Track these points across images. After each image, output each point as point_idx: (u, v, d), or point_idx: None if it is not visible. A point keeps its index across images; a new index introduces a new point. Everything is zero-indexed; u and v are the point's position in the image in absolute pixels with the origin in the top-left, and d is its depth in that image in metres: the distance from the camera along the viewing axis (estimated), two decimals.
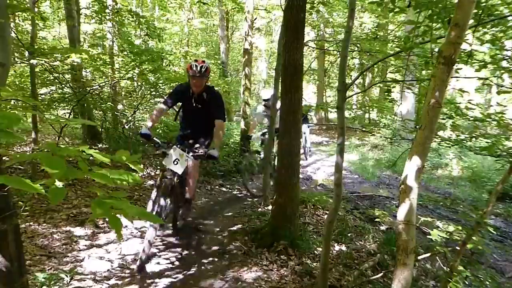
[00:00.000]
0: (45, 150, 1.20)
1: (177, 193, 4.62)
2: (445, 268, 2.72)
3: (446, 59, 2.13)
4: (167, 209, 4.36)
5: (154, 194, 4.17)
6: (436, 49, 2.99)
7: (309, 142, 12.74)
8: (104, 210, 1.19)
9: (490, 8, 3.01)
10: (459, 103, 4.02)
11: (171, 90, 4.94)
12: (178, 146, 4.40)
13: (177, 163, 4.23)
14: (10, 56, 1.34)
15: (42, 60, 6.08)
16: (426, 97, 2.22)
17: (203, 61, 4.58)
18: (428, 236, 2.62)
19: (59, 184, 1.22)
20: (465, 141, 4.14)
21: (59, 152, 1.12)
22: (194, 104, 4.74)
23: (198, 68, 4.48)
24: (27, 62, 6.40)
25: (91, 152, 1.20)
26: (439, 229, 2.80)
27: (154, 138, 4.34)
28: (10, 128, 1.07)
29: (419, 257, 2.96)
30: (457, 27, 2.09)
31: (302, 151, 12.55)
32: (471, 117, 3.70)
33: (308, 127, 12.45)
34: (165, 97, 4.83)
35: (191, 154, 4.42)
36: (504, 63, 3.42)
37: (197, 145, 4.66)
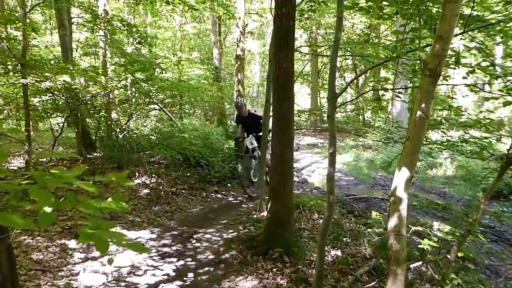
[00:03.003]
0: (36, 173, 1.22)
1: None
2: (436, 276, 2.74)
3: (431, 71, 2.15)
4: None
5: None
6: (424, 57, 3.02)
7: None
8: (91, 239, 1.20)
9: (474, 17, 3.03)
10: (451, 104, 4.05)
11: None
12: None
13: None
14: None
15: (33, 80, 6.08)
16: (413, 108, 2.25)
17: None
18: (419, 246, 2.65)
19: (48, 209, 1.24)
20: (456, 145, 4.17)
21: (47, 183, 1.13)
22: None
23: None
24: (16, 82, 6.42)
25: (78, 183, 1.21)
26: (431, 235, 2.83)
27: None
28: None
29: (412, 265, 2.99)
30: (441, 39, 2.11)
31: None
32: (461, 122, 3.73)
33: None
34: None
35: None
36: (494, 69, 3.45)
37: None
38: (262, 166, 6.79)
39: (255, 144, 7.82)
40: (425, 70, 2.18)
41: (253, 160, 7.97)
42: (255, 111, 8.34)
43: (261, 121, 7.87)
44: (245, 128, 8.21)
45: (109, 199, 1.48)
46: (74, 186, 1.37)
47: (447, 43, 2.12)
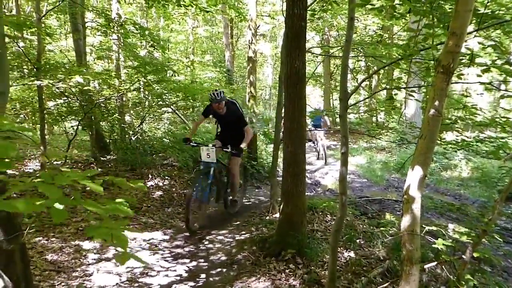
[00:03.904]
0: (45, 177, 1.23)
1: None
2: (451, 277, 2.69)
3: (445, 68, 2.12)
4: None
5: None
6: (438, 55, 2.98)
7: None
8: (99, 235, 1.22)
9: (489, 15, 2.99)
10: (466, 104, 3.99)
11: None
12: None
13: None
14: (9, 85, 1.37)
15: (46, 82, 6.17)
16: (427, 107, 2.22)
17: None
18: (433, 245, 2.61)
19: (59, 206, 1.25)
20: (471, 145, 4.11)
21: (55, 181, 1.14)
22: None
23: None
24: (30, 83, 6.54)
25: (85, 182, 1.22)
26: (446, 235, 2.79)
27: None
28: (6, 156, 1.10)
29: (426, 266, 2.94)
30: (454, 36, 2.08)
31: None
32: (476, 121, 3.68)
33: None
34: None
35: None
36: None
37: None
38: (274, 168, 6.77)
39: (213, 158, 5.68)
40: (439, 67, 2.15)
41: (206, 179, 5.72)
42: (237, 106, 6.23)
43: (244, 128, 6.12)
44: (221, 128, 6.42)
45: (119, 200, 1.49)
46: (88, 188, 1.38)
47: (460, 40, 2.08)
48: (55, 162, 7.97)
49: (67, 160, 8.08)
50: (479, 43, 3.21)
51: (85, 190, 6.10)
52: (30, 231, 4.80)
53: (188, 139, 6.01)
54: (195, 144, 6.10)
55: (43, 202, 1.19)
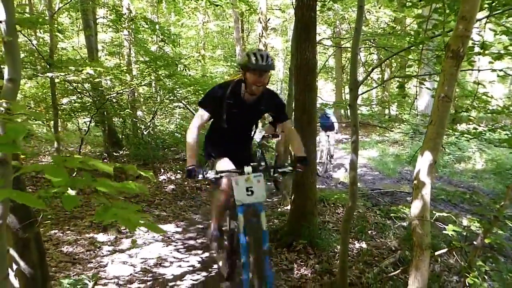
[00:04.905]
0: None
1: None
2: (462, 263, 2.69)
3: (454, 52, 2.11)
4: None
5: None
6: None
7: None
8: (109, 217, 1.24)
9: (501, 1, 2.95)
10: (477, 93, 3.95)
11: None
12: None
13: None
14: (20, 72, 1.40)
15: (58, 74, 6.25)
16: (436, 92, 2.21)
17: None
18: (444, 232, 2.61)
19: (72, 192, 1.28)
20: (483, 134, 4.07)
21: (64, 163, 1.17)
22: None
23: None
24: (42, 75, 6.63)
25: (94, 163, 1.24)
26: (457, 222, 2.78)
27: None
28: (17, 139, 1.13)
29: (437, 253, 2.93)
30: (464, 20, 2.07)
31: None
32: (489, 109, 3.64)
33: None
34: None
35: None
36: None
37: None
38: (286, 160, 6.76)
39: (262, 195, 3.01)
40: (448, 52, 2.13)
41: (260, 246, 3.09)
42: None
43: (287, 124, 3.56)
44: (229, 128, 3.31)
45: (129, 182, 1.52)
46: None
47: (470, 24, 2.06)
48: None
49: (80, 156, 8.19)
50: (491, 29, 3.17)
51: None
52: (47, 222, 4.90)
53: (194, 170, 3.01)
54: (221, 175, 3.07)
55: (60, 189, 1.21)
